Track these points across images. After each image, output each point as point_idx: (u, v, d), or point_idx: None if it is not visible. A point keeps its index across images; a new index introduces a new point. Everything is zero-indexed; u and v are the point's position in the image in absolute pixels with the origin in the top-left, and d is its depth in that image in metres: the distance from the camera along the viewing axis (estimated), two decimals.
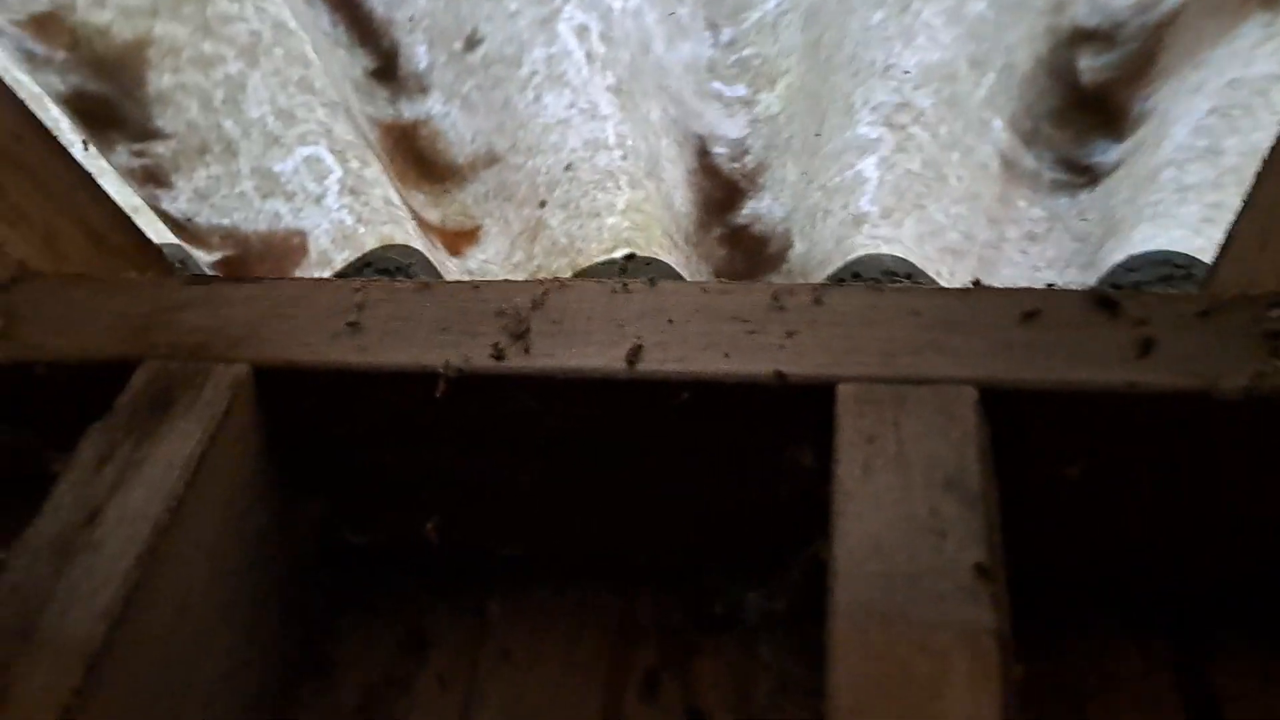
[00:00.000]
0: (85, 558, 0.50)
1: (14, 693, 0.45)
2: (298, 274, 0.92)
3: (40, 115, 0.71)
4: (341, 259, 0.95)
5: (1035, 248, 0.74)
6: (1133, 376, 0.53)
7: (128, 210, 0.79)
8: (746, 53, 0.60)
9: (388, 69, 0.64)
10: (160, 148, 0.74)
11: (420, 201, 0.76)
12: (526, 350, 0.59)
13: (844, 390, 0.55)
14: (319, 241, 0.91)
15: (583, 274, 0.92)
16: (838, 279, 0.89)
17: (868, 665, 0.43)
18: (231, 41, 0.73)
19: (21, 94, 0.70)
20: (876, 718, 0.42)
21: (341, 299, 0.63)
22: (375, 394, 0.60)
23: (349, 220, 0.91)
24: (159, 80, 0.71)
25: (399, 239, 0.95)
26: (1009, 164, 0.69)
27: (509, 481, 0.62)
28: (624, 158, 0.81)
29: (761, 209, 0.73)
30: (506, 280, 0.64)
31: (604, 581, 0.69)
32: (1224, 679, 0.63)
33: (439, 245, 0.82)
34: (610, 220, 0.89)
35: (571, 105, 0.76)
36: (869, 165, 0.80)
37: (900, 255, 0.89)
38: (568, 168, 0.81)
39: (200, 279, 0.66)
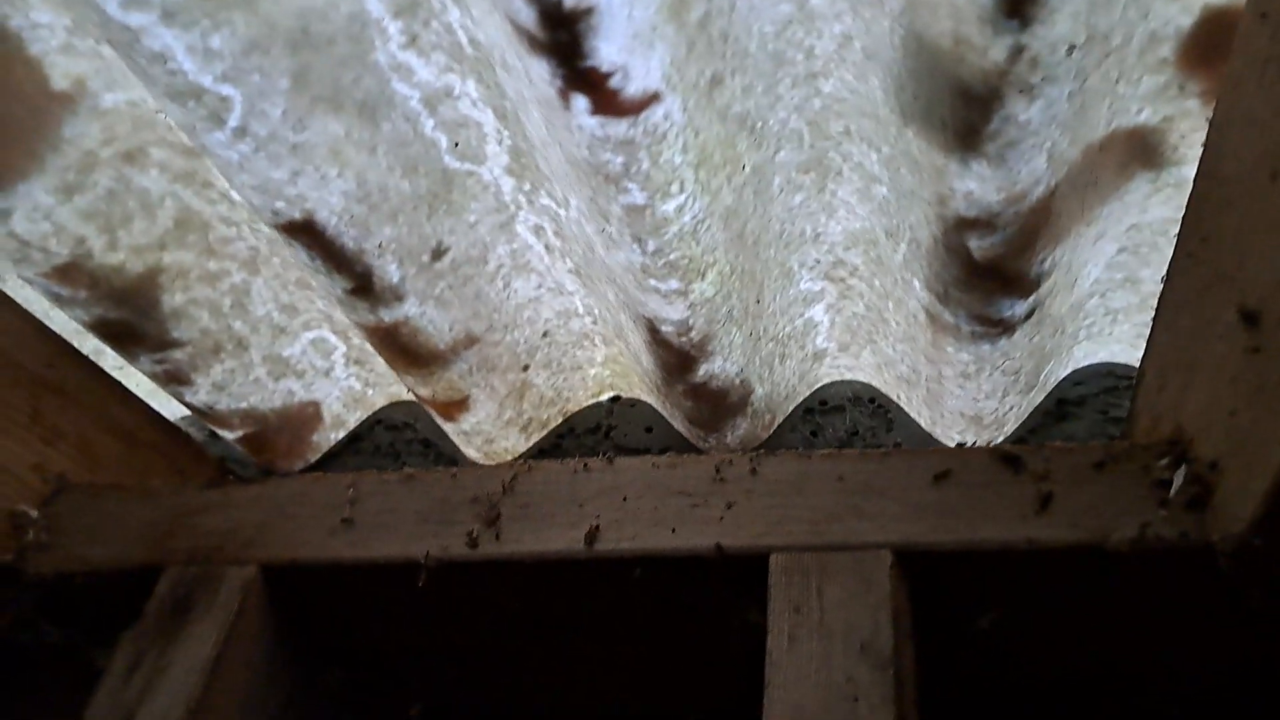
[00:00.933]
0: None
1: None
2: (315, 438, 1.01)
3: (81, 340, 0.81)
4: (354, 419, 1.03)
5: (970, 383, 0.80)
6: (1032, 533, 0.59)
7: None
8: (673, 256, 0.68)
9: (364, 287, 0.72)
10: (178, 354, 0.84)
11: (411, 381, 0.85)
12: (497, 536, 0.66)
13: (775, 560, 0.61)
14: (332, 408, 1.00)
15: (571, 419, 1.00)
16: (806, 408, 0.95)
17: None
18: (233, 258, 0.83)
19: (57, 324, 0.80)
20: None
21: (336, 494, 0.71)
22: (367, 584, 0.68)
23: (357, 386, 1.00)
24: (171, 300, 0.80)
25: (405, 396, 1.04)
26: (932, 317, 0.75)
27: (487, 652, 0.69)
28: (594, 323, 0.89)
29: (715, 369, 0.80)
30: (482, 466, 0.72)
31: None
32: None
33: (435, 413, 0.90)
34: (592, 371, 0.97)
35: (540, 286, 0.84)
36: (818, 311, 0.87)
37: (864, 381, 0.95)
38: (544, 335, 0.89)
39: (215, 482, 0.74)
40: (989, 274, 0.68)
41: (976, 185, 0.60)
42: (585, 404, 1.01)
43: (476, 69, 0.63)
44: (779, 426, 0.94)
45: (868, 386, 0.96)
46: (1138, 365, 0.88)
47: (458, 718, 0.73)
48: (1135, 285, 0.82)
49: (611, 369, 0.97)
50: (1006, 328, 0.74)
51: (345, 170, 0.64)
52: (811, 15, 0.61)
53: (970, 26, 0.51)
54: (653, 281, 0.71)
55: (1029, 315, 0.74)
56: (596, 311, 0.88)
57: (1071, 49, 0.52)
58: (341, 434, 1.03)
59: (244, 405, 0.92)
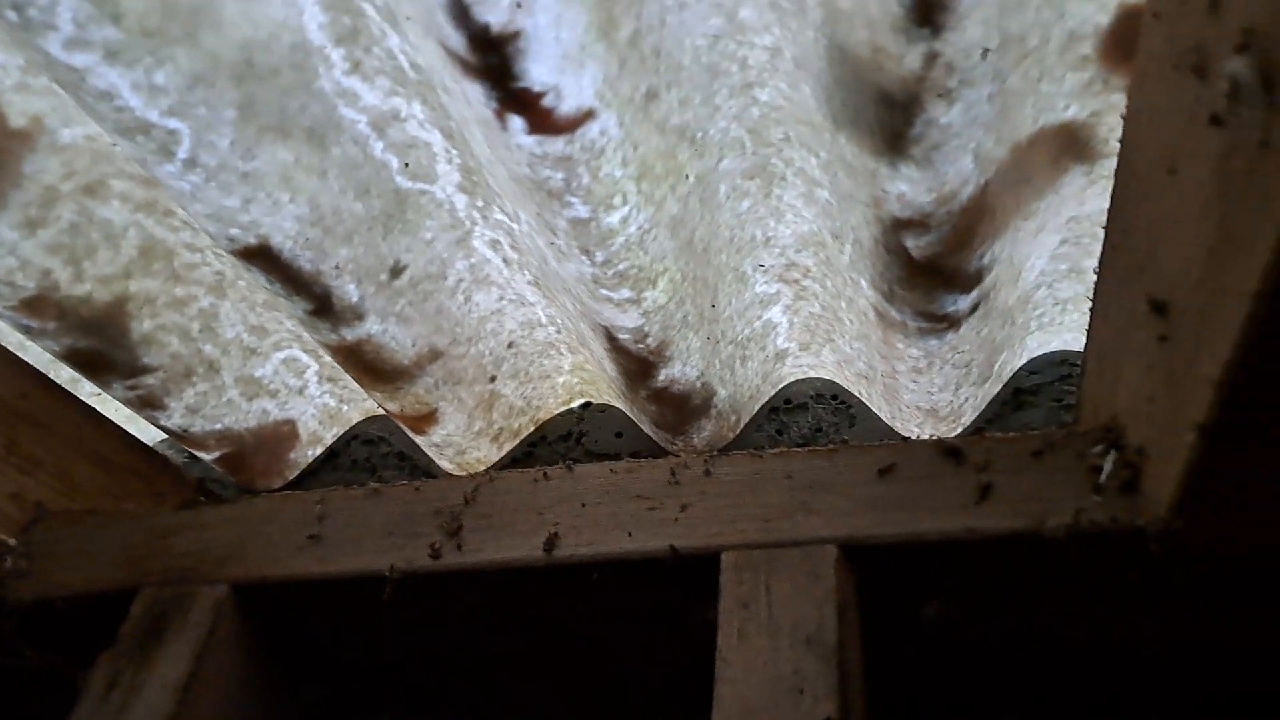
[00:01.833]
0: None
1: None
2: (292, 455, 1.03)
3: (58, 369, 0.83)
4: (331, 435, 1.05)
5: (923, 378, 0.82)
6: (971, 523, 0.61)
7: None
8: (622, 266, 0.70)
9: (324, 308, 0.74)
10: (150, 379, 0.85)
11: (379, 397, 0.87)
12: (459, 547, 0.68)
13: (726, 558, 0.63)
14: (308, 425, 1.02)
15: (543, 427, 1.01)
16: (771, 407, 0.97)
17: None
18: (199, 283, 0.85)
19: (31, 355, 0.82)
20: None
21: (305, 511, 0.73)
22: (335, 598, 0.69)
23: (332, 402, 1.02)
24: (140, 327, 0.82)
25: (380, 411, 1.05)
26: (881, 314, 0.77)
27: (454, 660, 0.71)
28: (558, 332, 0.91)
29: (675, 373, 0.82)
30: (446, 477, 0.74)
31: None
32: None
33: (405, 427, 0.92)
34: (561, 379, 0.98)
35: (501, 298, 0.86)
36: (775, 313, 0.89)
37: (827, 378, 0.97)
38: (510, 345, 0.91)
39: (189, 504, 0.76)
40: (929, 271, 0.70)
41: (907, 187, 0.62)
42: (557, 411, 1.02)
43: (421, 92, 0.65)
44: (745, 427, 0.96)
45: (830, 384, 0.98)
46: None
47: None
48: (1080, 275, 0.83)
49: (580, 376, 0.99)
50: (952, 322, 0.76)
51: (297, 195, 0.66)
52: (741, 27, 0.63)
53: (885, 36, 0.53)
54: (604, 291, 0.73)
55: (974, 309, 0.76)
56: (559, 321, 0.90)
57: (985, 52, 0.54)
58: (319, 450, 1.04)
59: (219, 427, 0.94)
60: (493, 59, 0.53)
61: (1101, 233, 0.80)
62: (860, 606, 0.61)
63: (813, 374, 0.98)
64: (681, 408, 0.88)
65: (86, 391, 0.92)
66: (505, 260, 0.83)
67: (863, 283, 0.77)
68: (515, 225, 0.76)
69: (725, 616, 0.60)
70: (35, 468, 0.79)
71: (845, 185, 0.68)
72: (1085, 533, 0.59)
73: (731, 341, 0.87)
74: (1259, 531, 0.54)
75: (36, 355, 0.88)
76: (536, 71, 0.54)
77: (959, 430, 0.90)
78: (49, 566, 0.74)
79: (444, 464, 0.99)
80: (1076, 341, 0.91)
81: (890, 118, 0.57)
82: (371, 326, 0.78)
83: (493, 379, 0.93)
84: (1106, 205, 0.77)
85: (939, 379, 0.82)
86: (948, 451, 0.65)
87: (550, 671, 0.74)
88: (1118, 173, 0.59)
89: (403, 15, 0.57)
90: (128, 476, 0.89)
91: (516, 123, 0.57)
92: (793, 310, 0.89)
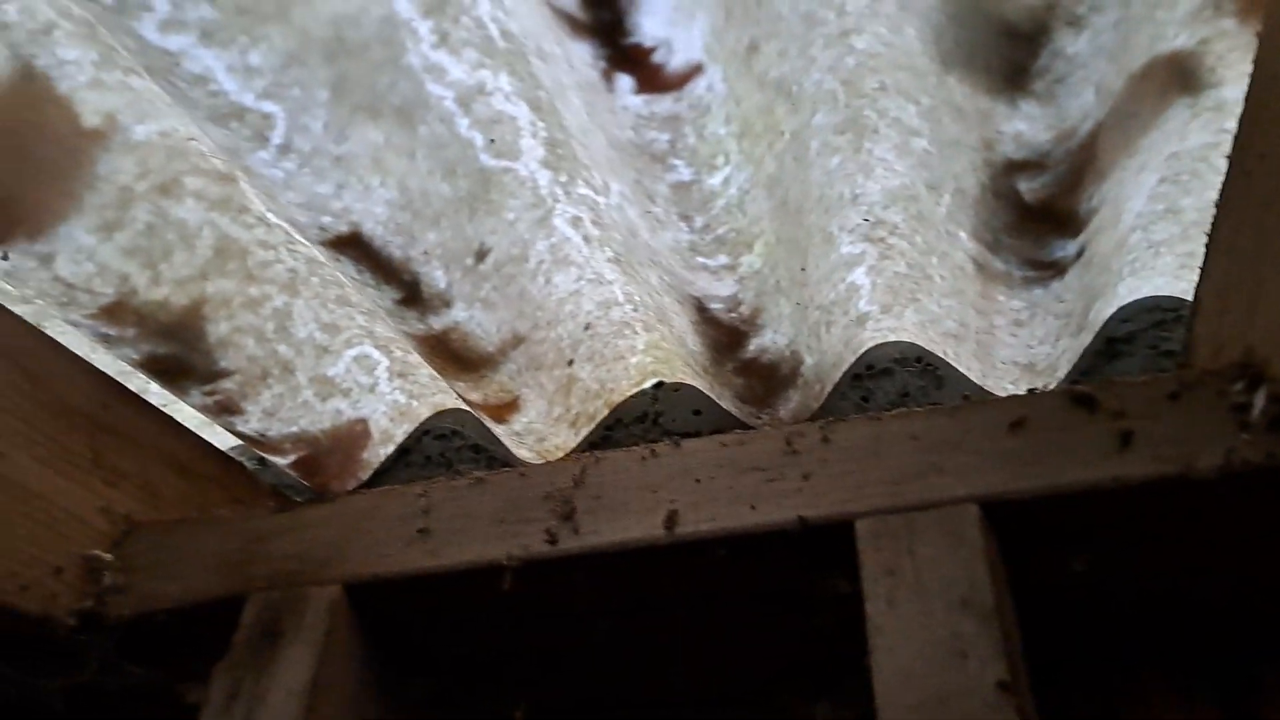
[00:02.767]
0: None
1: None
2: (365, 455, 1.01)
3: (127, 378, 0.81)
4: (402, 432, 1.03)
5: (1024, 330, 0.80)
6: (1116, 471, 0.59)
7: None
8: (721, 231, 0.67)
9: (413, 296, 0.72)
10: (228, 383, 0.83)
11: (462, 387, 0.84)
12: (576, 530, 0.66)
13: (861, 526, 0.61)
14: (379, 423, 0.99)
15: (617, 410, 0.99)
16: (854, 374, 0.95)
17: None
18: (273, 281, 0.82)
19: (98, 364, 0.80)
20: None
21: (409, 505, 0.71)
22: (451, 591, 0.67)
23: (402, 399, 1.00)
24: (217, 330, 0.80)
25: (450, 405, 1.03)
26: (981, 266, 0.75)
27: (574, 646, 0.69)
28: (634, 310, 0.88)
29: (766, 342, 0.80)
30: (548, 462, 0.71)
31: (684, 713, 0.75)
32: (1270, 711, 0.67)
33: (486, 417, 0.90)
34: (634, 360, 0.96)
35: (579, 278, 0.84)
36: (859, 275, 0.87)
37: (907, 341, 0.95)
38: (586, 327, 0.89)
39: (284, 506, 0.74)
40: (1041, 216, 0.67)
41: (1026, 125, 0.60)
42: (629, 393, 1.00)
43: (509, 62, 0.63)
44: (829, 395, 0.94)
45: (912, 346, 0.95)
46: (1184, 296, 0.88)
47: (553, 715, 0.73)
48: (1177, 215, 0.81)
49: (653, 355, 0.96)
50: (1058, 270, 0.73)
51: (387, 179, 0.64)
52: None
53: None
54: (700, 259, 0.70)
55: (1079, 254, 0.73)
56: (637, 298, 0.87)
57: None
58: (390, 448, 1.02)
59: (295, 429, 0.92)
60: (604, 14, 0.50)
61: (1203, 168, 0.77)
62: (1005, 565, 0.59)
63: (893, 337, 0.96)
64: (770, 378, 0.86)
65: (154, 400, 0.90)
66: (586, 238, 0.80)
67: (961, 234, 0.75)
68: (601, 199, 0.74)
69: (870, 585, 0.58)
70: (121, 479, 0.77)
71: (950, 130, 0.65)
72: (1238, 473, 0.57)
73: (818, 306, 0.85)
74: None
75: (103, 364, 0.86)
76: (649, 25, 0.52)
77: (1054, 385, 0.87)
78: (147, 579, 0.72)
79: (523, 453, 0.97)
80: (1169, 286, 0.88)
81: (1013, 51, 0.55)
82: (458, 313, 0.76)
83: (570, 362, 0.91)
84: (1209, 139, 0.75)
85: (1040, 330, 0.80)
86: (1079, 400, 0.62)
87: (667, 654, 0.72)
88: (1251, 96, 0.57)
89: None
90: (207, 484, 0.87)
91: (624, 82, 0.55)
92: (876, 271, 0.87)
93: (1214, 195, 0.77)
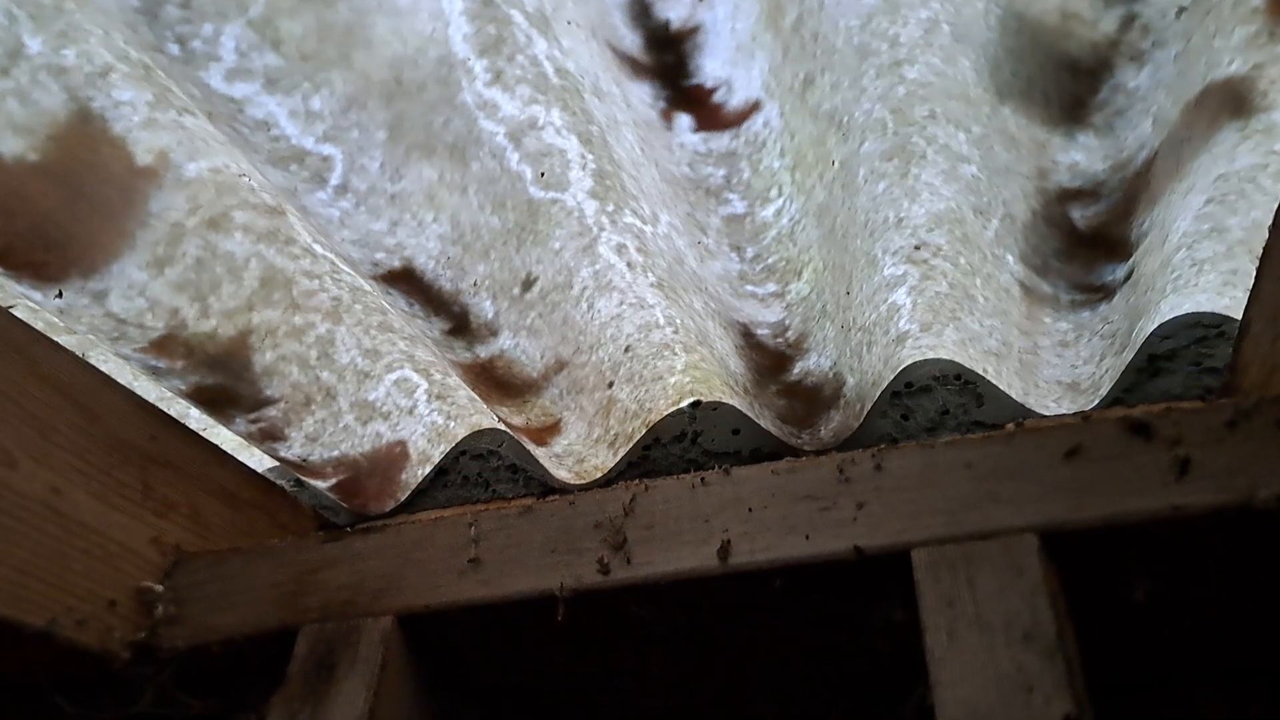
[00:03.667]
0: None
1: None
2: (403, 476, 1.01)
3: (167, 406, 0.81)
4: (439, 453, 1.03)
5: (1069, 351, 0.79)
6: (1175, 500, 0.58)
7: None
8: (771, 260, 0.67)
9: (461, 326, 0.72)
10: (272, 411, 0.84)
11: (504, 412, 0.85)
12: (628, 560, 0.66)
13: (918, 556, 0.61)
14: (417, 444, 1.00)
15: (655, 429, 0.99)
16: (893, 392, 0.95)
17: None
18: (317, 309, 0.83)
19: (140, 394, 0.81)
20: None
21: (459, 534, 0.71)
22: (503, 622, 0.67)
23: (440, 420, 1.00)
24: (262, 359, 0.80)
25: (486, 425, 1.04)
26: (1029, 289, 0.75)
27: (624, 677, 0.69)
28: (675, 332, 0.89)
29: (810, 365, 0.80)
30: (595, 488, 0.72)
31: None
32: None
33: (526, 440, 0.90)
34: (673, 379, 0.96)
35: (621, 303, 0.84)
36: (900, 295, 0.87)
37: (946, 358, 0.95)
38: (626, 350, 0.89)
39: (334, 536, 0.74)
40: (1093, 242, 0.67)
41: (1082, 156, 0.60)
42: (667, 412, 1.00)
43: (562, 98, 0.63)
44: (868, 414, 0.94)
45: (951, 364, 0.95)
46: (1224, 313, 0.88)
47: None
48: (1222, 234, 0.81)
49: (692, 375, 0.96)
50: (1107, 293, 0.73)
51: (440, 214, 0.64)
52: (896, 4, 0.60)
53: (1079, 1, 0.50)
54: (749, 287, 0.71)
55: (1128, 277, 0.73)
56: (678, 321, 0.87)
57: (1181, 11, 0.52)
58: (428, 469, 1.03)
59: (335, 454, 0.92)
60: (668, 57, 0.50)
61: (1250, 189, 0.77)
62: (1065, 595, 0.59)
63: (931, 355, 0.95)
64: (813, 400, 0.86)
65: (194, 428, 0.91)
66: (630, 264, 0.81)
67: (1009, 258, 0.74)
68: (648, 228, 0.74)
69: (930, 616, 0.58)
70: (170, 510, 0.77)
71: (1002, 159, 0.65)
72: None
73: (860, 328, 0.85)
74: None
75: (144, 394, 0.87)
76: (710, 66, 0.52)
77: (1096, 403, 0.87)
78: (199, 610, 0.73)
79: (562, 474, 0.97)
80: (1210, 303, 0.88)
81: (1073, 85, 0.55)
82: (504, 342, 0.76)
83: (610, 384, 0.91)
84: (1257, 160, 0.75)
85: (1085, 351, 0.80)
86: (1135, 428, 0.62)
87: (720, 682, 0.72)
88: None
89: (562, 20, 0.54)
90: (253, 511, 0.88)
91: (683, 121, 0.55)
92: (917, 291, 0.87)
93: (1260, 215, 0.77)
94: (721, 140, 0.56)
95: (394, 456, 0.98)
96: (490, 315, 0.73)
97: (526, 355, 0.79)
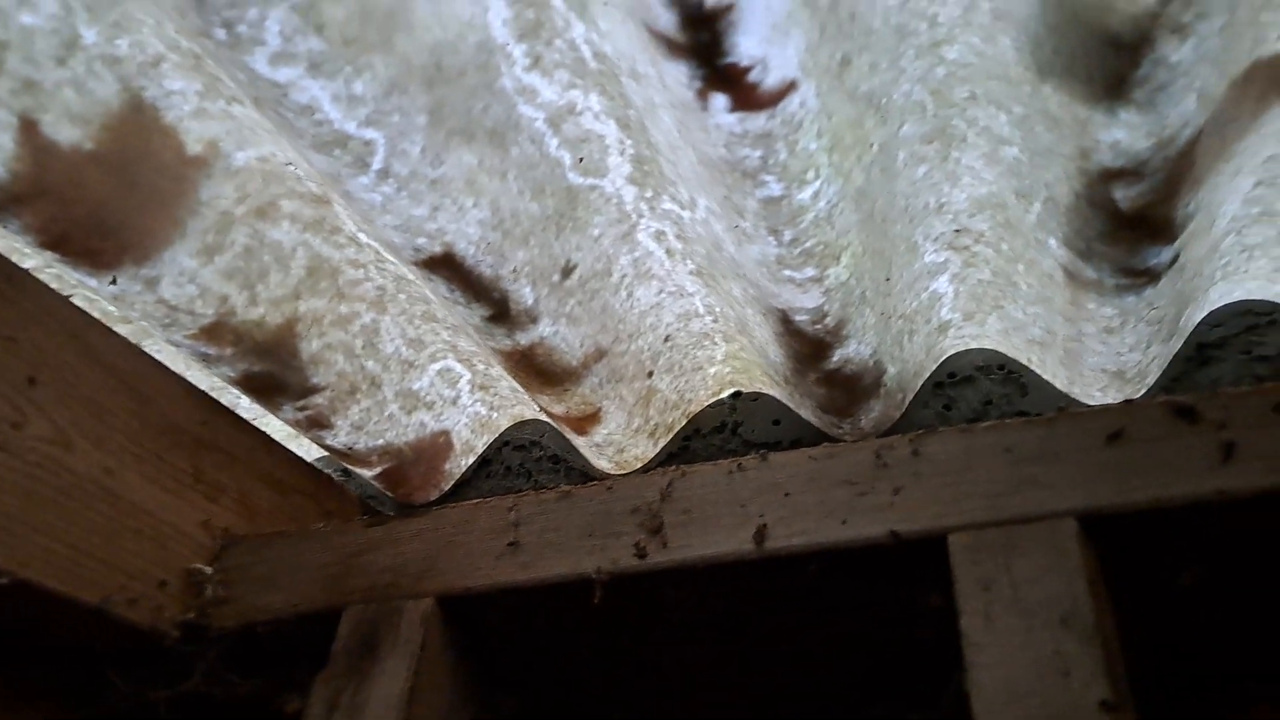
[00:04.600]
0: None
1: None
2: (447, 466, 1.02)
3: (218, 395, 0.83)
4: (482, 443, 1.04)
5: (1114, 338, 0.78)
6: (1221, 483, 0.58)
7: None
8: (809, 244, 0.67)
9: (501, 313, 0.73)
10: (319, 399, 0.85)
11: (545, 401, 0.85)
12: (665, 544, 0.66)
13: (955, 540, 0.60)
14: (461, 434, 1.01)
15: (695, 420, 0.99)
16: (935, 382, 0.94)
17: None
18: (362, 299, 0.84)
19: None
20: None
21: (499, 518, 0.72)
22: (540, 604, 0.68)
23: (483, 410, 1.01)
24: (309, 347, 0.82)
25: (529, 415, 1.04)
26: (1072, 274, 0.74)
27: (660, 661, 0.69)
28: (714, 321, 0.89)
29: (850, 353, 0.80)
30: (633, 474, 0.72)
31: None
32: None
33: (567, 429, 0.91)
34: (713, 370, 0.96)
35: (660, 291, 0.84)
36: (942, 283, 0.86)
37: (990, 348, 0.94)
38: (666, 339, 0.89)
39: (378, 520, 0.76)
40: (1136, 224, 0.66)
41: (1124, 134, 0.59)
42: (707, 403, 1.00)
43: (600, 82, 0.64)
44: (910, 404, 0.93)
45: (994, 354, 0.94)
46: (1276, 299, 0.86)
47: None
48: (1272, 218, 0.79)
49: (732, 365, 0.96)
50: (1152, 277, 0.72)
51: (480, 199, 0.65)
52: None
53: None
54: (787, 271, 0.71)
55: (1174, 261, 0.72)
56: (718, 310, 0.87)
57: None
58: (471, 459, 1.04)
59: (380, 442, 0.93)
60: (703, 35, 0.51)
61: None
62: (1106, 580, 0.58)
63: (974, 344, 0.95)
64: (853, 389, 0.86)
65: (244, 415, 0.93)
66: (669, 251, 0.81)
67: (1051, 242, 0.74)
68: (686, 213, 0.74)
69: (966, 600, 0.57)
70: (219, 494, 0.79)
71: (1043, 139, 0.65)
72: None
73: (901, 316, 0.84)
74: None
75: (195, 382, 0.89)
76: (745, 45, 0.52)
77: (1143, 393, 0.86)
78: (247, 592, 0.74)
79: (602, 464, 0.97)
80: (1261, 290, 0.86)
81: (1115, 60, 0.54)
82: (544, 329, 0.77)
83: (650, 374, 0.91)
84: None
85: (1131, 338, 0.79)
86: (1180, 411, 0.61)
87: (756, 666, 0.72)
88: None
89: (599, 1, 0.55)
90: (299, 497, 0.89)
91: (719, 101, 0.55)
92: (960, 279, 0.86)
93: None
94: (758, 120, 0.56)
95: (438, 446, 1.00)
96: (530, 302, 0.74)
97: (566, 343, 0.79)
